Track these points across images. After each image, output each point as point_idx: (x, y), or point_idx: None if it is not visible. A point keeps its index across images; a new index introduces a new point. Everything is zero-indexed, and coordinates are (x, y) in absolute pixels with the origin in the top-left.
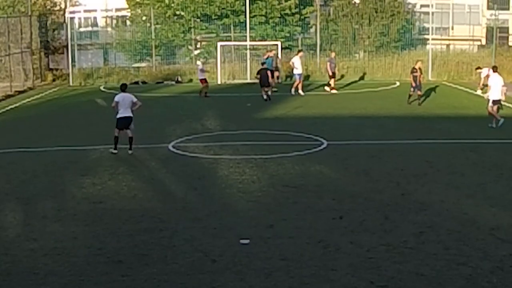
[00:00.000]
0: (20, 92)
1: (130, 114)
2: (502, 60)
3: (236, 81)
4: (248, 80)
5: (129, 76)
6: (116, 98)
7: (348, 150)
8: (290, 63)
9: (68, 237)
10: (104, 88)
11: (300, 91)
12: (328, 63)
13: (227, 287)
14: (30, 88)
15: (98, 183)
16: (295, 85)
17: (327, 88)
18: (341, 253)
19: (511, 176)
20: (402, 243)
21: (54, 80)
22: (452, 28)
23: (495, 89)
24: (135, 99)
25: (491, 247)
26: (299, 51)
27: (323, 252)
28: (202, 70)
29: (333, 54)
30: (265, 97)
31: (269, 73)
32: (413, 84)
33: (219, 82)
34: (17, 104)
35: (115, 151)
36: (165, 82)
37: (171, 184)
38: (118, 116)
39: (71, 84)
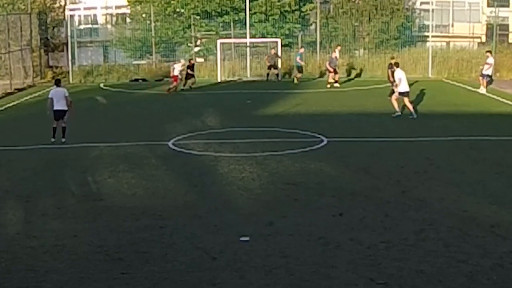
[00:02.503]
0: (19, 90)
1: (64, 108)
2: (502, 58)
3: (236, 78)
4: (249, 78)
5: (129, 74)
6: (50, 94)
7: (348, 147)
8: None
9: (68, 234)
10: (104, 85)
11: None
12: (328, 62)
13: (227, 285)
14: (30, 86)
15: (98, 180)
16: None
17: (337, 84)
18: (341, 250)
19: (511, 174)
20: (402, 241)
21: (54, 77)
22: (452, 26)
23: (404, 82)
24: (67, 94)
25: (491, 244)
26: (337, 45)
27: (323, 249)
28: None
29: (336, 51)
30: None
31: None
32: (391, 79)
33: (219, 80)
34: (17, 102)
35: (52, 139)
36: (165, 80)
37: (171, 181)
38: (54, 108)
39: (71, 81)
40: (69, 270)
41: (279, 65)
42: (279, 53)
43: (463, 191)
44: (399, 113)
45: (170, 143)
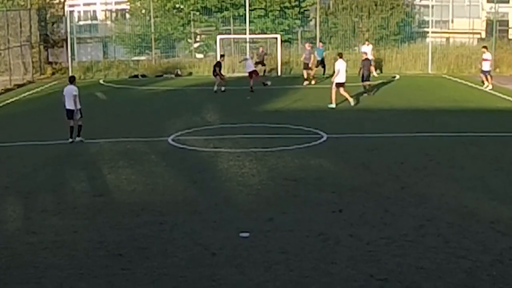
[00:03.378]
0: (19, 86)
1: (72, 107)
2: (502, 53)
3: (236, 75)
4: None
5: (128, 70)
6: (63, 91)
7: (348, 143)
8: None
9: (68, 230)
10: (103, 81)
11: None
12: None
13: (227, 280)
14: (30, 82)
15: (98, 176)
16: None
17: (306, 82)
18: (341, 246)
19: (511, 169)
20: (402, 236)
21: (53, 73)
22: (452, 21)
23: (342, 73)
24: (75, 92)
25: (491, 240)
26: (366, 40)
27: (322, 245)
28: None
29: (306, 45)
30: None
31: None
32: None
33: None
34: (16, 98)
35: (70, 139)
36: (165, 76)
37: (170, 177)
38: (65, 107)
39: None
40: (69, 266)
41: (265, 61)
42: (279, 50)
43: (463, 187)
44: (334, 105)
45: (169, 139)
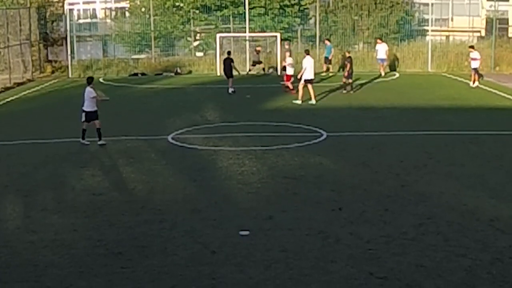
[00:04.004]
0: (19, 84)
1: (88, 109)
2: (502, 52)
3: (235, 73)
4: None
5: (128, 68)
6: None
7: (347, 142)
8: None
9: (68, 229)
10: (103, 80)
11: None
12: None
13: (227, 279)
14: (29, 80)
15: (98, 175)
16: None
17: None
18: (340, 244)
19: (511, 168)
20: (401, 235)
21: (53, 72)
22: (452, 20)
23: (309, 70)
24: (92, 95)
25: (490, 239)
26: (379, 38)
27: (322, 244)
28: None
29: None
30: (230, 90)
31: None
32: (346, 74)
33: (218, 74)
34: (16, 96)
35: (81, 140)
36: (164, 74)
37: (170, 176)
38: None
39: (70, 76)
40: (69, 265)
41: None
42: (278, 48)
43: (463, 185)
44: (300, 101)
45: (169, 138)
